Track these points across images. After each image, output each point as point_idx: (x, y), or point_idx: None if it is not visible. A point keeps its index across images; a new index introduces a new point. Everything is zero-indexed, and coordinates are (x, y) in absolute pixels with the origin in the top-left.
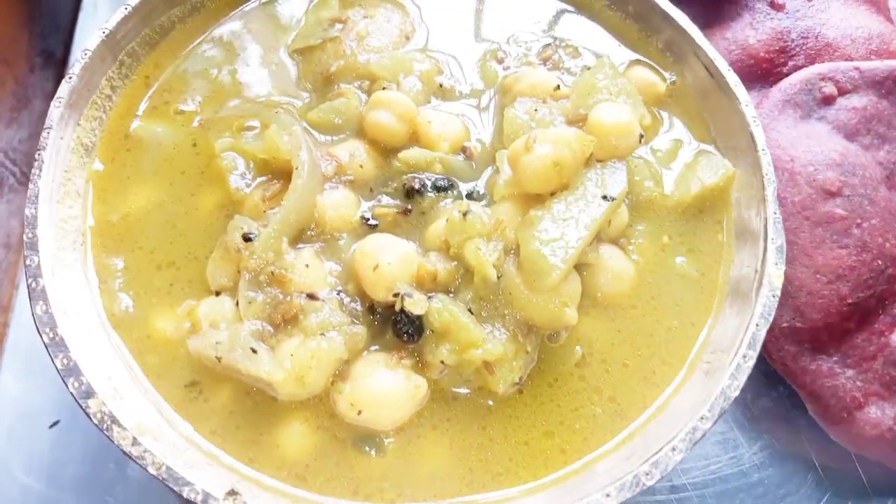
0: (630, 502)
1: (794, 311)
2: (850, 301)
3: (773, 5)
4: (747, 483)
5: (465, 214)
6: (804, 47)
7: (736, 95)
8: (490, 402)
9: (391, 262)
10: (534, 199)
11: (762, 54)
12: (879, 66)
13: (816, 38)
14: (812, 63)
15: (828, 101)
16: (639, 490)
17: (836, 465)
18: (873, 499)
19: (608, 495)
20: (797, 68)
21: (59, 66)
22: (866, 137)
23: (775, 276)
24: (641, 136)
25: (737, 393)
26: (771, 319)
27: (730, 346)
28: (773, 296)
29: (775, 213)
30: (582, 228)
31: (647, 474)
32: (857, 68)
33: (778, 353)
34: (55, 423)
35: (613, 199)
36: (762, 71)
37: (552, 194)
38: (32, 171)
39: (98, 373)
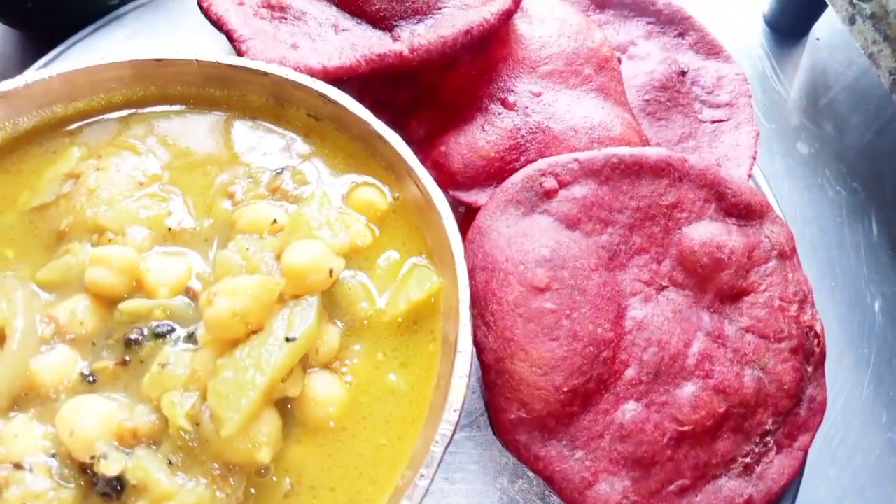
0: None
1: (518, 404)
2: (566, 389)
3: (504, 104)
4: None
5: (163, 367)
6: (534, 142)
7: (439, 211)
8: None
9: (87, 424)
10: (230, 343)
11: (493, 154)
12: (597, 155)
13: (544, 132)
14: (542, 156)
15: (549, 194)
16: None
17: None
18: None
19: None
20: (529, 162)
21: None
22: (588, 224)
23: (457, 388)
24: (331, 270)
25: None
26: (450, 437)
27: (421, 461)
28: (454, 410)
29: (465, 325)
30: (261, 374)
31: None
32: (576, 159)
33: (512, 444)
34: None
35: (295, 340)
36: (494, 170)
37: (245, 337)
38: None
39: None
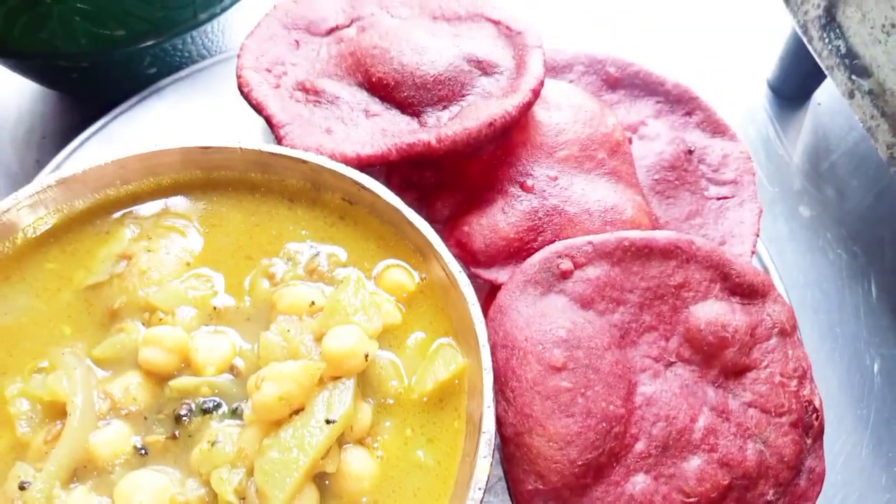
0: None
1: (535, 476)
2: (580, 463)
3: (523, 187)
4: None
5: (212, 444)
6: (550, 224)
7: (464, 295)
8: None
9: (143, 499)
10: (275, 424)
11: (512, 235)
12: (609, 238)
13: (560, 214)
14: (557, 237)
15: (565, 275)
16: None
17: None
18: None
19: None
20: (547, 243)
21: None
22: (601, 304)
23: (482, 468)
24: (367, 355)
25: None
26: None
27: None
28: (479, 489)
29: (489, 407)
30: (304, 456)
31: None
32: (590, 242)
33: None
34: None
35: (334, 422)
36: (514, 249)
37: (288, 418)
38: None
39: None
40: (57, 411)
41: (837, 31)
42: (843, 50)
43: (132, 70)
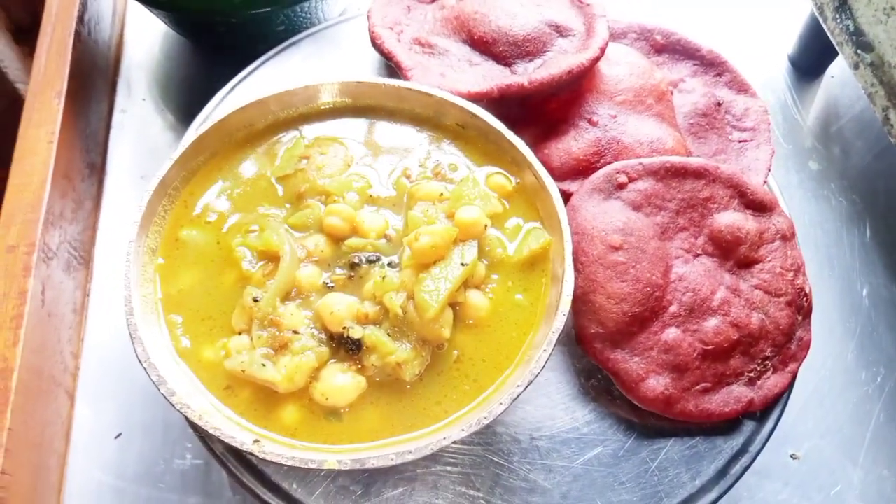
0: (503, 445)
1: (597, 323)
2: (630, 314)
3: (590, 122)
4: (581, 433)
5: (383, 278)
6: (610, 149)
7: (551, 193)
8: (408, 386)
9: (340, 309)
10: (424, 266)
11: (582, 157)
12: (655, 161)
13: (618, 143)
14: (616, 160)
15: (621, 186)
16: (479, 427)
17: (636, 418)
18: (659, 437)
19: (462, 430)
20: (607, 163)
21: (99, 173)
22: (647, 208)
23: (565, 303)
24: (486, 225)
25: (539, 371)
26: (561, 329)
27: (539, 345)
28: (563, 314)
29: (569, 266)
30: (448, 283)
31: (485, 417)
32: (640, 163)
33: (591, 350)
34: (118, 436)
35: (467, 264)
36: (582, 167)
37: (434, 263)
38: (125, 266)
39: (175, 382)
40: (268, 256)
41: (848, 12)
42: (851, 28)
43: (266, 29)
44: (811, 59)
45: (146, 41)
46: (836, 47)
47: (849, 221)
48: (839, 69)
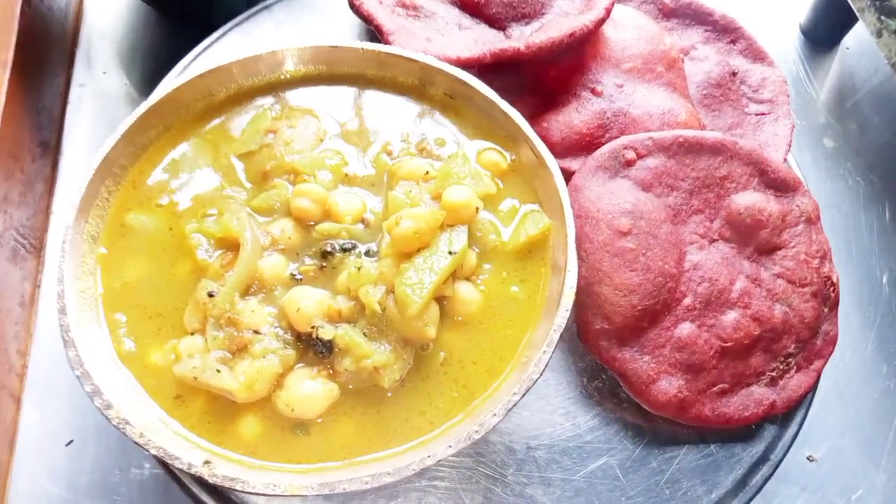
0: (496, 456)
1: (602, 318)
2: (639, 308)
3: (593, 92)
4: (583, 441)
5: (359, 269)
6: (616, 122)
7: (551, 172)
8: (387, 394)
9: (308, 305)
10: (406, 255)
11: (584, 131)
12: (667, 135)
13: (625, 115)
14: (622, 134)
15: (629, 164)
16: (470, 442)
17: (645, 423)
18: (671, 445)
19: (449, 446)
20: (612, 138)
21: (53, 153)
22: (658, 188)
23: (567, 296)
24: (478, 208)
25: (538, 376)
26: (563, 327)
27: (538, 345)
28: (566, 309)
29: (572, 254)
30: (434, 275)
31: (476, 431)
32: (650, 138)
33: (596, 348)
34: (70, 442)
35: (455, 253)
36: (585, 143)
37: (418, 251)
38: (59, 257)
39: (114, 393)
40: (227, 244)
41: None
42: None
43: None
44: (825, 30)
45: (108, 9)
46: (857, 13)
47: (867, 203)
48: (855, 40)
